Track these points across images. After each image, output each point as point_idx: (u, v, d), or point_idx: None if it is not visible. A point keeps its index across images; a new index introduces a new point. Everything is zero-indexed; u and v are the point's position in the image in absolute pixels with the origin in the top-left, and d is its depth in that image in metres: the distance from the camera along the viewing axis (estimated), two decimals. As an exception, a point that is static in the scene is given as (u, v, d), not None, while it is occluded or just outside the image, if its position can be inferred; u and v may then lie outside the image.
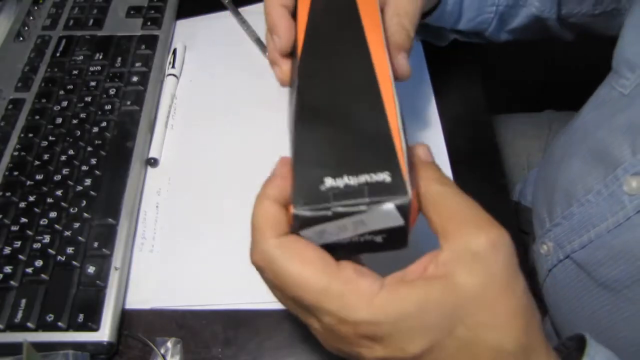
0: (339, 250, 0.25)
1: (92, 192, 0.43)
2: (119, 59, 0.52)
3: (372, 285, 0.23)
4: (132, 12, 0.56)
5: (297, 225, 0.24)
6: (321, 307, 0.23)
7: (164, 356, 0.37)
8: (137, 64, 0.51)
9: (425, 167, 0.26)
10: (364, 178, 0.23)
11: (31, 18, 0.57)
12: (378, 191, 0.23)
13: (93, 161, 0.45)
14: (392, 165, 0.23)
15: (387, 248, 0.25)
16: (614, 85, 0.40)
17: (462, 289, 0.23)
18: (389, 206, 0.22)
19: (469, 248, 0.23)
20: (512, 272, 0.24)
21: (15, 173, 0.45)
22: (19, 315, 0.37)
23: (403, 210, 0.23)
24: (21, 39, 0.55)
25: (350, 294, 0.23)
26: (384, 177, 0.23)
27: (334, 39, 0.30)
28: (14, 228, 0.42)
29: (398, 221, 0.23)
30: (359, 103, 0.26)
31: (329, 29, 0.31)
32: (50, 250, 0.40)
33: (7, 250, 0.40)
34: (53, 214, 0.42)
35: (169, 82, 0.52)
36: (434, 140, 0.46)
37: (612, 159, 0.38)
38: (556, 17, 0.50)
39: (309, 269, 0.23)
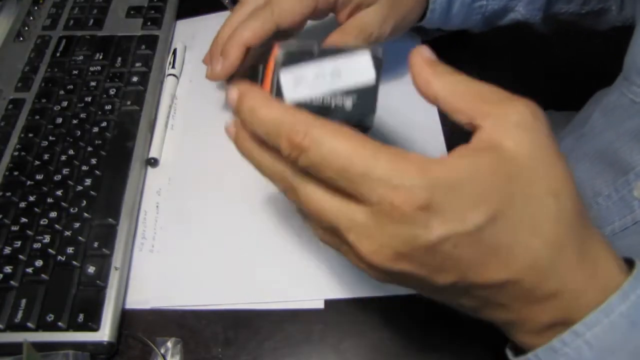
0: None
1: (92, 192, 0.43)
2: (119, 59, 0.52)
3: (420, 156, 0.22)
4: (132, 12, 0.56)
5: (280, 62, 0.25)
6: (372, 175, 0.22)
7: (164, 356, 0.37)
8: (137, 64, 0.51)
9: (433, 64, 0.26)
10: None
11: (31, 18, 0.57)
12: (354, 48, 0.26)
13: (93, 161, 0.45)
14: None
15: (355, 119, 0.26)
16: (625, 92, 0.40)
17: (514, 157, 0.22)
18: (366, 53, 0.26)
19: (511, 119, 0.23)
20: (553, 139, 0.24)
21: (15, 173, 0.45)
22: (19, 315, 0.37)
23: (377, 61, 0.26)
24: (21, 39, 0.55)
25: (401, 161, 0.22)
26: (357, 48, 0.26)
27: None
28: (14, 228, 0.42)
29: (370, 76, 0.26)
30: None
31: None
32: (50, 250, 0.40)
33: (7, 250, 0.40)
34: (53, 214, 0.42)
35: (169, 82, 0.52)
36: (434, 141, 0.46)
37: (623, 164, 0.38)
38: (541, 21, 0.51)
39: (354, 138, 0.22)
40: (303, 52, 0.25)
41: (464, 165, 0.22)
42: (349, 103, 0.25)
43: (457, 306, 0.26)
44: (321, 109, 0.25)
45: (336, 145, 0.22)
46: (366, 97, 0.26)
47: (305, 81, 0.25)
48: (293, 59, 0.25)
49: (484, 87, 0.24)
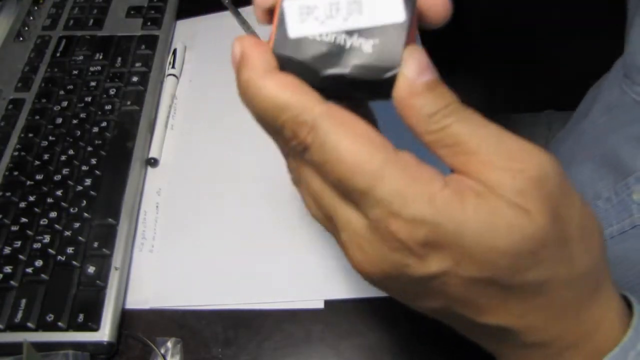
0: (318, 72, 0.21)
1: (92, 192, 0.43)
2: (119, 59, 0.52)
3: (435, 178, 0.19)
4: (132, 12, 0.56)
5: None
6: (372, 194, 0.19)
7: (164, 356, 0.37)
8: (137, 64, 0.51)
9: (421, 97, 0.20)
10: None
11: (31, 18, 0.57)
12: None
13: (93, 161, 0.45)
14: None
15: (374, 71, 0.21)
16: (627, 90, 0.40)
17: (530, 223, 0.19)
18: None
19: (513, 187, 0.19)
20: (563, 194, 0.20)
21: (15, 173, 0.45)
22: (19, 315, 0.37)
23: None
24: (21, 39, 0.55)
25: (409, 183, 0.19)
26: None
27: None
28: (14, 228, 0.42)
29: (399, 13, 0.21)
30: None
31: None
32: (50, 250, 0.40)
33: (7, 250, 0.40)
34: (53, 214, 0.42)
35: (169, 82, 0.52)
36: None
37: (624, 167, 0.37)
38: None
39: (363, 144, 0.19)
40: None
41: (481, 216, 0.19)
42: (367, 45, 0.21)
43: (447, 323, 0.25)
44: (332, 49, 0.21)
45: (340, 150, 0.19)
46: (391, 40, 0.20)
47: (315, 13, 0.21)
48: None
49: (481, 139, 0.20)
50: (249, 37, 0.21)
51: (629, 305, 0.24)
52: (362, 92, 0.22)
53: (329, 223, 0.23)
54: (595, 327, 0.22)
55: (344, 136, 0.19)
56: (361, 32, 0.21)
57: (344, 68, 0.21)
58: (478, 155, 0.19)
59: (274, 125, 0.21)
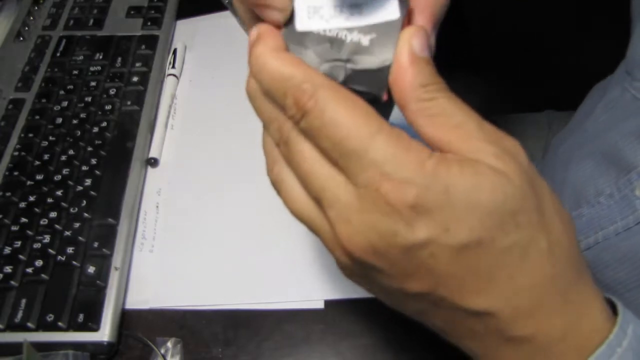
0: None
1: (92, 192, 0.43)
2: (119, 59, 0.52)
3: (424, 148, 0.21)
4: (132, 12, 0.56)
5: None
6: (366, 156, 0.20)
7: (164, 356, 0.37)
8: (137, 64, 0.52)
9: (419, 67, 0.22)
10: None
11: (31, 18, 0.57)
12: None
13: (93, 161, 0.45)
14: None
15: (368, 63, 0.23)
16: (628, 87, 0.40)
17: (515, 187, 0.21)
18: None
19: (492, 153, 0.21)
20: (535, 173, 0.22)
21: (15, 173, 0.45)
22: (19, 315, 0.37)
23: (404, 3, 0.23)
24: (21, 39, 0.55)
25: (401, 149, 0.20)
26: None
27: None
28: (14, 228, 0.42)
29: (394, 13, 0.23)
30: None
31: None
32: (50, 250, 0.40)
33: (7, 250, 0.40)
34: (53, 214, 0.42)
35: (169, 82, 0.52)
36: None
37: (625, 163, 0.37)
38: None
39: (361, 113, 0.21)
40: None
41: (466, 177, 0.20)
42: (365, 40, 0.23)
43: (428, 324, 0.25)
44: (334, 42, 0.23)
45: (338, 115, 0.21)
46: (386, 35, 0.23)
47: (321, 12, 0.24)
48: None
49: (460, 115, 0.22)
50: (267, 24, 0.24)
51: (611, 307, 0.24)
52: (356, 82, 0.24)
53: (314, 212, 0.24)
54: (579, 317, 0.23)
55: (342, 104, 0.21)
56: (360, 29, 0.23)
57: (343, 58, 0.24)
58: (460, 127, 0.21)
59: (278, 94, 0.22)
